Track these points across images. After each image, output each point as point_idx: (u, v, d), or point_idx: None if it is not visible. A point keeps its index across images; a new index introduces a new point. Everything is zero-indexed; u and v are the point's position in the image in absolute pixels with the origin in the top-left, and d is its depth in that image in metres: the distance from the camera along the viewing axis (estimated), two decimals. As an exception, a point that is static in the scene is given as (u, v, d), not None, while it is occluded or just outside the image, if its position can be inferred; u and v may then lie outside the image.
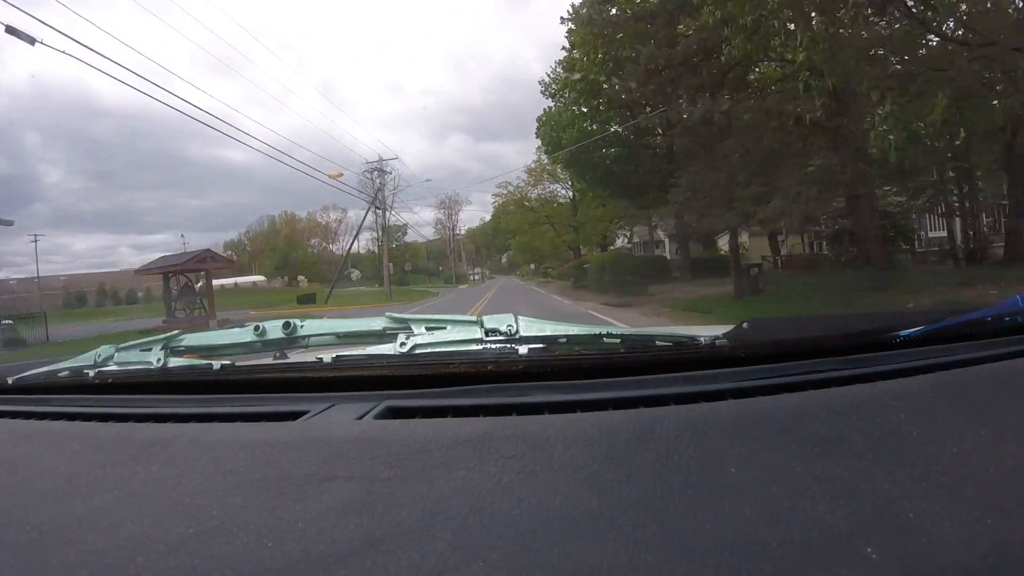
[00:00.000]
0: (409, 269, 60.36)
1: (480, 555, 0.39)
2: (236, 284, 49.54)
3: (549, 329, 0.77)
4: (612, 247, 43.12)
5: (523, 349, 0.74)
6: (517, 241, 49.54)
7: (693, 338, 0.77)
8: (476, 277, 79.65)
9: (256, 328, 0.86)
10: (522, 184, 45.64)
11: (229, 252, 69.26)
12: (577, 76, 18.20)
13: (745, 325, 0.77)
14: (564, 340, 0.76)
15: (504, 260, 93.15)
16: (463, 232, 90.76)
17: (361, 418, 0.66)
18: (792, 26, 8.02)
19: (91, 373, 0.87)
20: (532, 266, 65.16)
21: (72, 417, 0.78)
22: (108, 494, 0.52)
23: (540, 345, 0.75)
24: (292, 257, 66.29)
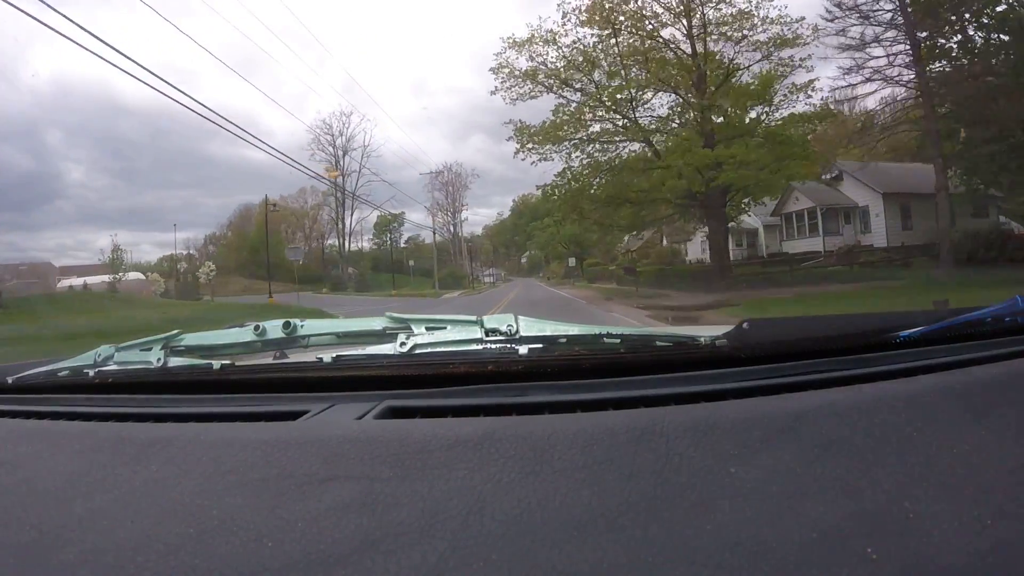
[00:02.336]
0: (296, 258, 36.62)
1: (480, 555, 0.39)
2: (87, 285, 29.21)
3: (549, 329, 0.77)
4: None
5: (523, 349, 0.74)
6: (564, 195, 18.85)
7: (693, 338, 0.77)
8: (490, 279, 65.59)
9: (256, 328, 0.86)
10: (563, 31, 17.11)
11: (211, 247, 58.42)
12: None
13: (745, 325, 0.77)
14: (564, 340, 0.76)
15: (524, 260, 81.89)
16: (480, 230, 77.57)
17: (361, 418, 0.66)
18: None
19: (91, 373, 0.87)
20: (571, 261, 43.45)
21: (72, 417, 0.78)
22: (108, 494, 0.52)
23: (540, 345, 0.75)
24: (264, 253, 44.34)
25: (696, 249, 31.41)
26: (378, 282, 47.94)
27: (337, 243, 58.32)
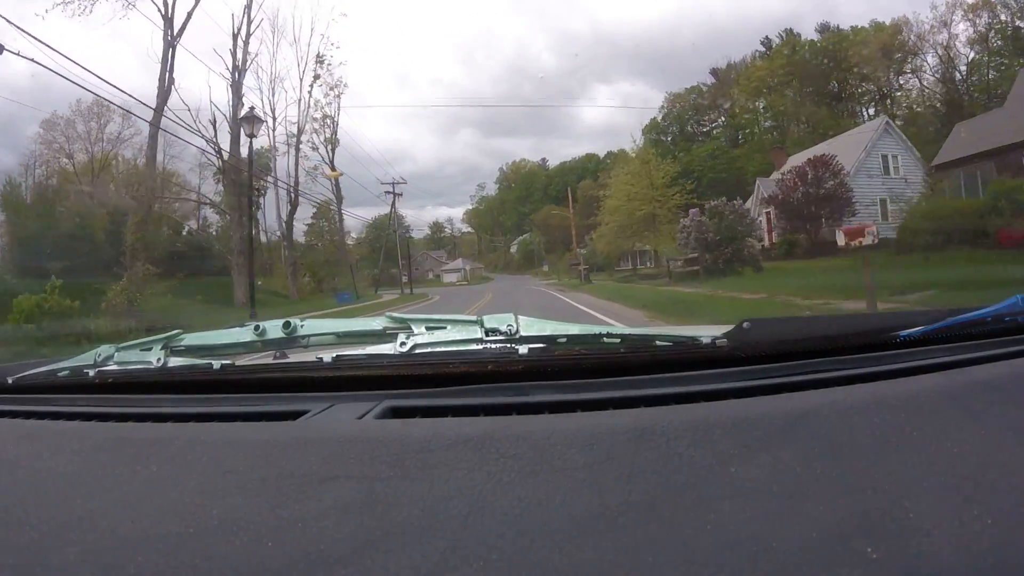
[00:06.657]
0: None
1: (480, 555, 0.39)
2: None
3: (549, 329, 0.76)
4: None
5: (523, 349, 0.74)
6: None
7: (693, 338, 0.77)
8: (456, 277, 49.51)
9: (256, 328, 0.86)
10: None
11: None
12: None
13: (746, 325, 0.77)
14: (564, 340, 0.76)
15: (514, 249, 60.29)
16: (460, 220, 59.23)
17: (361, 418, 0.67)
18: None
19: (91, 373, 0.87)
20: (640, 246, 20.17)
21: (72, 417, 0.78)
22: (108, 494, 0.52)
23: (540, 345, 0.75)
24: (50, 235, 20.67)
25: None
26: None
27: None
